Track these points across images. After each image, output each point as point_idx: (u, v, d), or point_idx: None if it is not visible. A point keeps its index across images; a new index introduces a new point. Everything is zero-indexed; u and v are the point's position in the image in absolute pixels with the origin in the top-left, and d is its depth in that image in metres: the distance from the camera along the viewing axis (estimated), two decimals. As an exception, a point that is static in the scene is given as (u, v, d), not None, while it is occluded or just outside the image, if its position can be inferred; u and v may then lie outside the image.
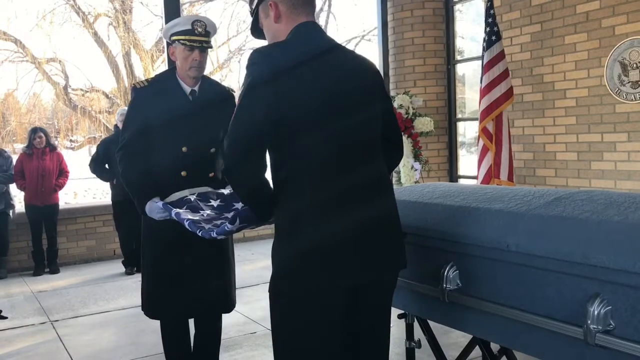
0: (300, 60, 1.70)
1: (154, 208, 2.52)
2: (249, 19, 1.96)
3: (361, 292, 1.80)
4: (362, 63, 1.87)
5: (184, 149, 2.61)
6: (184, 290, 2.65)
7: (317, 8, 19.49)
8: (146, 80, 2.76)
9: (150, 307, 2.75)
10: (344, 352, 1.81)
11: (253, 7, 1.89)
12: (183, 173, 2.60)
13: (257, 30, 1.92)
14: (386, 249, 1.80)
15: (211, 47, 2.72)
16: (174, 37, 2.64)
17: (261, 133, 1.67)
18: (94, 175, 6.35)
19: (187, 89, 2.68)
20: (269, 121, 1.66)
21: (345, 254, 1.70)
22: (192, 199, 2.46)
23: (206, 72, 2.78)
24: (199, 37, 2.62)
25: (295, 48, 1.74)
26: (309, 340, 1.74)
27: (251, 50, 1.79)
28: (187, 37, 2.61)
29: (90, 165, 6.21)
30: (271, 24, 1.83)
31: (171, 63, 2.78)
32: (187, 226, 2.22)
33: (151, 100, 2.64)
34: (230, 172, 1.70)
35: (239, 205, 2.29)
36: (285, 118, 1.66)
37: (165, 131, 2.61)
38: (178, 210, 2.36)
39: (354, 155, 1.75)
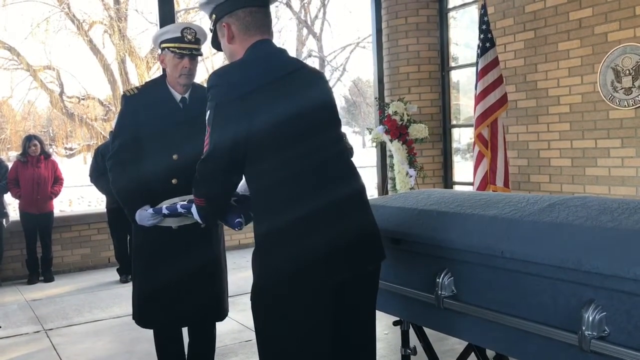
0: (263, 78, 1.74)
1: (145, 216, 2.52)
2: None
3: (345, 289, 1.80)
4: (323, 79, 1.93)
5: (174, 156, 2.59)
6: (175, 299, 2.63)
7: (312, 15, 19.32)
8: (136, 87, 2.74)
9: (141, 316, 2.72)
10: (333, 353, 1.81)
11: (211, 25, 1.93)
12: (174, 181, 2.59)
13: (216, 43, 1.95)
14: (364, 245, 1.83)
15: (201, 55, 2.71)
16: (164, 45, 2.63)
17: (235, 152, 1.72)
18: (93, 184, 6.25)
19: (178, 97, 2.67)
20: (240, 139, 1.70)
21: (324, 259, 1.72)
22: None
23: (200, 79, 2.77)
24: (188, 44, 2.60)
25: (254, 66, 1.78)
26: (298, 346, 1.74)
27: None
28: (176, 45, 2.59)
29: (91, 175, 6.14)
30: (226, 44, 1.88)
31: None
32: (180, 209, 2.30)
33: (141, 108, 2.62)
34: (207, 193, 1.82)
35: None
36: (256, 135, 1.70)
37: (156, 139, 2.59)
38: (168, 205, 2.46)
39: (326, 170, 1.78)
